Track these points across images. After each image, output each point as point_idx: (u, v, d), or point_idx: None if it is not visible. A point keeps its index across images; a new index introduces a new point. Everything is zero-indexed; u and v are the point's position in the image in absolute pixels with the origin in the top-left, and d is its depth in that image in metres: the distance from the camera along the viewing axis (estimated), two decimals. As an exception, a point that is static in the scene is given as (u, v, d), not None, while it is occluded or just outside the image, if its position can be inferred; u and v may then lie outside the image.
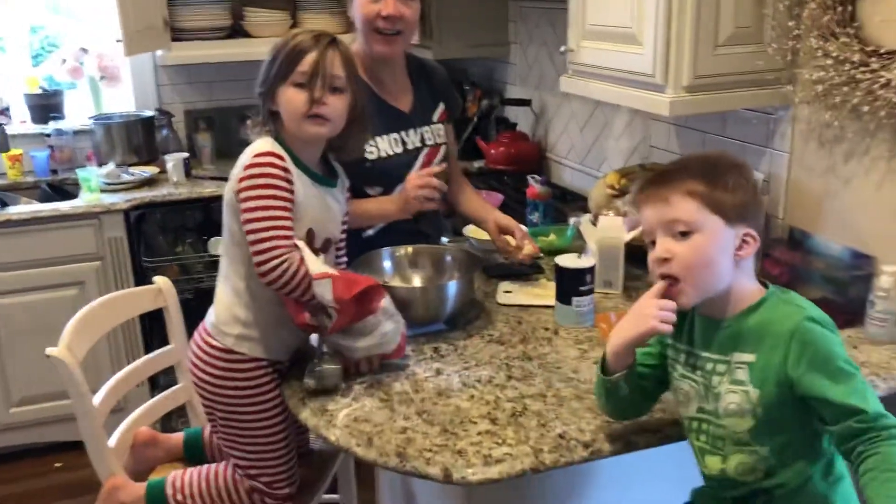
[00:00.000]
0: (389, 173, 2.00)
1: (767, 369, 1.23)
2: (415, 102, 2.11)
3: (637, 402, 1.41)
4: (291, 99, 1.59)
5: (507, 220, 2.10)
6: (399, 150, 2.04)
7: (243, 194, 1.55)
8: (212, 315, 1.72)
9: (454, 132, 2.20)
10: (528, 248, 2.07)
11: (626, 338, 1.33)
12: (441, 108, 2.17)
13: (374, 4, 1.94)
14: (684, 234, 1.26)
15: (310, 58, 1.58)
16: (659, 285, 1.30)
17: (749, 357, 1.26)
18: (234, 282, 1.68)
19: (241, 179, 1.56)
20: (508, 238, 2.08)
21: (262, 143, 1.60)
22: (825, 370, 1.19)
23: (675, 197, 1.27)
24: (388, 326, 1.60)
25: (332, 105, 1.61)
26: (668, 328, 1.29)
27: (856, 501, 1.30)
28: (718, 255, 1.26)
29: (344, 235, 1.81)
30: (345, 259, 1.84)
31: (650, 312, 1.28)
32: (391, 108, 2.05)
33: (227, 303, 1.69)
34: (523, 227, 2.10)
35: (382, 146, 2.01)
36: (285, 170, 1.57)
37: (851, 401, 1.17)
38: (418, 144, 2.08)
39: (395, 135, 2.04)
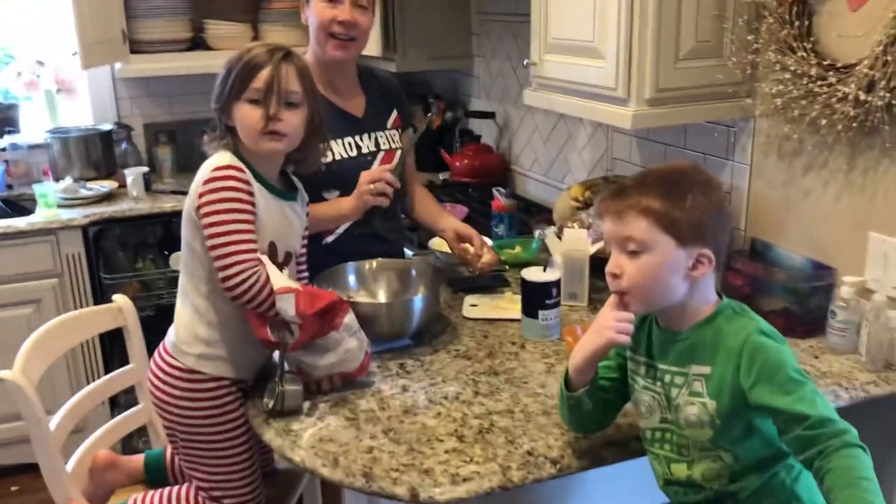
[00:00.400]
0: (345, 177, 1.99)
1: (722, 381, 1.25)
2: (367, 108, 2.12)
3: (600, 416, 1.42)
4: (246, 115, 1.57)
5: (465, 229, 2.12)
6: (353, 153, 2.05)
7: (204, 209, 1.52)
8: (172, 334, 1.69)
9: (409, 141, 2.20)
10: (487, 256, 2.07)
11: (587, 352, 1.34)
12: (394, 114, 2.19)
13: (330, 9, 1.95)
14: (635, 253, 1.26)
15: (264, 73, 1.56)
16: (611, 299, 1.32)
17: (705, 369, 1.27)
18: (193, 299, 1.65)
19: (202, 194, 1.53)
20: (467, 246, 2.09)
21: (221, 157, 1.57)
22: (774, 380, 1.20)
23: (629, 214, 1.26)
24: (351, 343, 1.58)
25: (287, 121, 1.59)
26: (626, 339, 1.30)
27: (818, 492, 1.31)
28: (667, 276, 1.26)
29: (304, 249, 1.79)
30: (306, 273, 1.82)
31: (607, 324, 1.30)
32: (344, 114, 2.06)
33: (188, 321, 1.65)
34: (484, 237, 2.12)
35: (337, 150, 2.02)
36: (246, 182, 1.55)
37: (798, 407, 1.18)
38: (373, 149, 2.09)
39: (349, 139, 2.05)
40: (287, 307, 1.50)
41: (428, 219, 2.22)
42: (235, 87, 1.57)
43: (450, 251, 2.27)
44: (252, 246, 1.53)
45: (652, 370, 1.35)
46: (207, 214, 1.52)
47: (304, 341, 1.53)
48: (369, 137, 2.10)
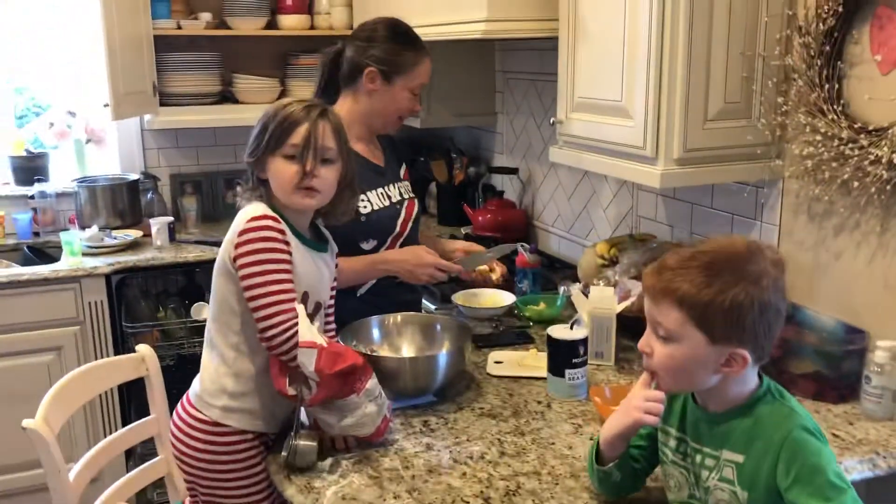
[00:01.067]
0: (381, 226, 2.10)
1: (757, 473, 1.19)
2: (386, 159, 2.20)
3: (629, 484, 1.39)
4: (281, 170, 1.58)
5: (473, 246, 2.31)
6: (386, 202, 2.13)
7: (242, 260, 1.52)
8: (196, 385, 1.67)
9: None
10: (498, 270, 2.28)
11: (616, 429, 1.32)
12: (404, 167, 2.29)
13: (412, 102, 2.11)
14: (665, 339, 1.21)
15: (301, 129, 1.58)
16: (643, 376, 1.30)
17: (737, 457, 1.21)
18: (222, 350, 1.63)
19: (238, 245, 1.53)
20: (481, 268, 2.25)
21: (256, 207, 1.58)
22: (814, 483, 1.14)
23: (664, 301, 1.20)
24: (370, 409, 1.55)
25: (323, 177, 1.60)
26: (654, 419, 1.27)
27: None
28: (695, 369, 1.21)
29: (332, 301, 1.78)
30: (333, 325, 1.81)
31: (636, 404, 1.28)
32: (374, 165, 2.15)
33: (214, 372, 1.64)
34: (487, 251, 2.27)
35: (374, 200, 2.09)
36: (282, 232, 1.55)
37: None
38: (399, 197, 2.17)
39: (380, 189, 2.13)
40: (307, 362, 1.48)
41: (431, 245, 2.28)
42: (272, 142, 1.58)
43: (473, 306, 2.27)
44: (292, 296, 1.53)
45: (683, 445, 1.30)
46: (246, 265, 1.52)
47: (321, 398, 1.51)
48: (394, 187, 2.18)
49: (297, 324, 1.50)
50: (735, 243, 1.22)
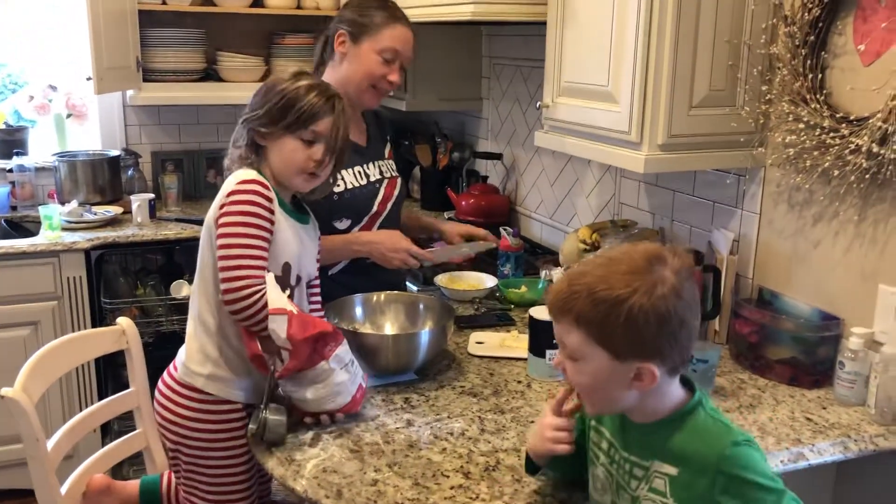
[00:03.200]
0: (356, 205, 2.06)
1: (692, 489, 1.17)
2: (368, 137, 2.17)
3: (571, 471, 1.40)
4: (295, 152, 1.61)
5: (465, 227, 2.30)
6: (363, 181, 2.09)
7: (223, 219, 1.53)
8: (182, 354, 1.67)
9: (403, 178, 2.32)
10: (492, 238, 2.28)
11: (535, 451, 1.36)
12: (389, 146, 2.26)
13: (384, 67, 2.02)
14: (572, 358, 1.19)
15: (328, 121, 1.62)
16: (551, 403, 1.32)
17: (671, 470, 1.18)
18: (205, 319, 1.64)
19: (223, 206, 1.54)
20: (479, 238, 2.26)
21: (248, 172, 1.59)
22: (751, 497, 1.13)
23: (564, 320, 1.17)
24: (340, 377, 1.54)
25: (326, 165, 1.65)
26: (565, 448, 1.30)
27: None
28: (606, 386, 1.18)
29: (317, 274, 1.78)
30: (319, 300, 1.81)
31: (547, 435, 1.31)
32: (352, 143, 2.07)
33: (199, 341, 1.64)
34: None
35: (348, 179, 2.05)
36: (269, 199, 1.56)
37: None
38: (378, 176, 2.14)
39: (357, 168, 2.09)
40: (279, 329, 1.47)
41: (422, 225, 2.31)
42: (292, 122, 1.59)
43: (456, 288, 2.28)
44: (262, 263, 1.53)
45: (613, 451, 1.28)
46: (225, 224, 1.53)
47: (293, 368, 1.50)
48: (374, 166, 2.14)
49: (262, 290, 1.50)
50: (635, 252, 1.17)
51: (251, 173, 1.58)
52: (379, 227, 2.11)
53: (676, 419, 1.20)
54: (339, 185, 2.00)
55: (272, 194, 1.57)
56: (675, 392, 1.21)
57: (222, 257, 1.52)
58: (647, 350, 1.14)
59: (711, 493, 1.15)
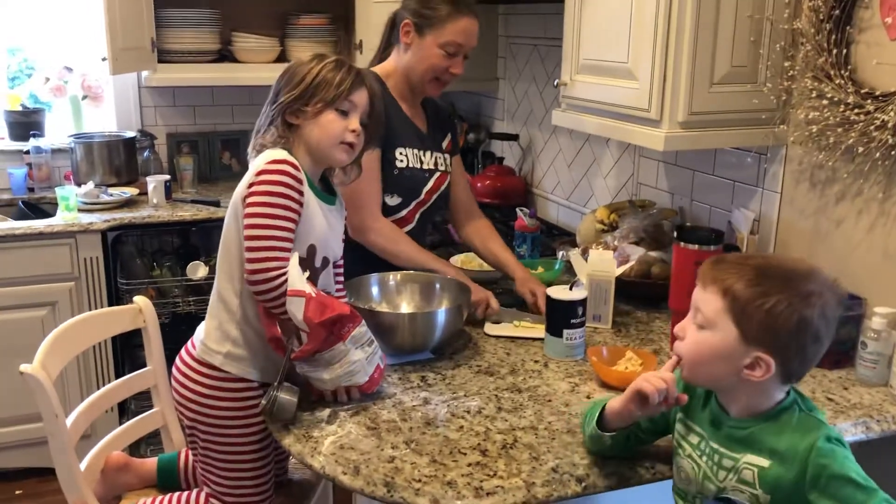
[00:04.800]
0: (410, 185, 2.09)
1: (781, 480, 1.18)
2: (428, 127, 2.17)
3: (619, 450, 1.39)
4: (332, 122, 1.61)
5: (537, 286, 2.06)
6: (418, 165, 2.10)
7: (251, 199, 1.53)
8: (201, 332, 1.67)
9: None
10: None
11: (620, 399, 1.32)
12: (448, 138, 2.24)
13: (445, 60, 2.03)
14: (701, 326, 1.22)
15: (362, 92, 1.64)
16: (671, 360, 1.30)
17: (762, 461, 1.20)
18: (226, 297, 1.64)
19: (253, 185, 1.54)
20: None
21: (279, 152, 1.58)
22: (843, 493, 1.14)
23: (710, 287, 1.21)
24: (356, 355, 1.54)
25: (361, 137, 1.66)
26: (653, 391, 1.26)
27: None
28: (719, 361, 1.21)
29: (342, 254, 1.78)
30: (342, 280, 1.81)
31: (645, 376, 1.28)
32: (414, 126, 2.12)
33: (218, 319, 1.64)
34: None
35: (410, 157, 2.08)
36: (298, 180, 1.55)
37: None
38: (432, 167, 2.14)
39: (416, 150, 2.10)
40: (296, 311, 1.47)
41: (494, 258, 2.20)
42: (330, 96, 1.60)
43: (473, 269, 2.27)
44: (287, 245, 1.53)
45: (703, 443, 1.29)
46: (253, 204, 1.52)
47: (309, 350, 1.50)
48: (431, 155, 2.14)
49: (285, 272, 1.50)
50: (798, 262, 1.24)
51: (281, 153, 1.57)
52: (421, 216, 2.13)
53: (772, 416, 1.22)
54: (401, 161, 2.03)
55: (302, 175, 1.56)
56: (776, 395, 1.23)
57: (249, 237, 1.51)
58: (775, 344, 1.17)
59: (800, 484, 1.16)
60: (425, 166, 2.12)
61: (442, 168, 2.17)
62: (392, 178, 2.00)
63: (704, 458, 1.28)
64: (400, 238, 2.02)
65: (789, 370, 1.20)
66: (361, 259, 1.97)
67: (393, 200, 2.06)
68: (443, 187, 2.17)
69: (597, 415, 1.37)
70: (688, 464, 1.31)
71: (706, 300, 1.21)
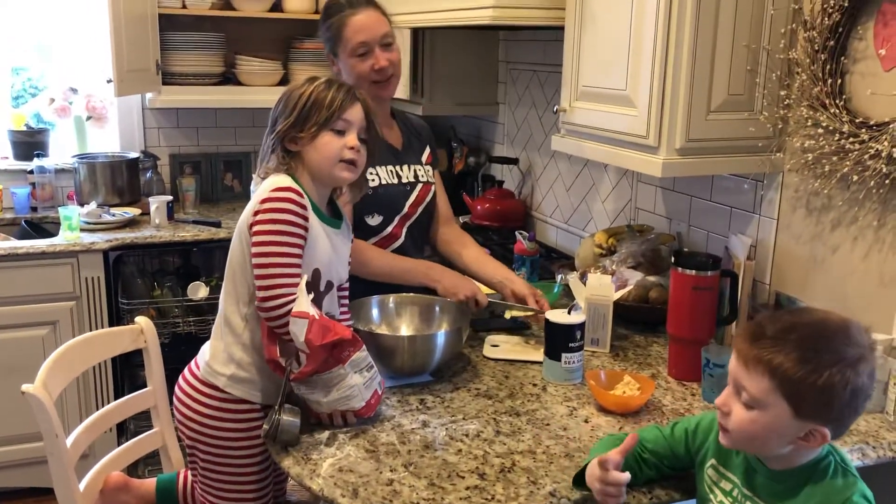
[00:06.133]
0: (388, 202, 2.07)
1: None
2: (404, 142, 2.18)
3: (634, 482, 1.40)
4: (328, 143, 1.63)
5: (522, 288, 2.05)
6: (395, 180, 2.10)
7: (258, 227, 1.54)
8: (206, 353, 1.69)
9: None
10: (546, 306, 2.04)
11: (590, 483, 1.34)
12: (427, 151, 2.25)
13: (364, 63, 2.03)
14: (748, 405, 1.20)
15: (355, 108, 1.65)
16: (614, 454, 1.32)
17: None
18: (233, 321, 1.65)
19: (258, 213, 1.56)
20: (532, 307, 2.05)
21: (283, 179, 1.60)
22: None
23: (756, 368, 1.17)
24: (354, 380, 1.55)
25: (361, 153, 1.67)
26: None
27: None
28: (773, 437, 1.19)
29: (347, 277, 1.79)
30: (346, 303, 1.82)
31: (597, 487, 1.31)
32: (385, 143, 2.10)
33: (224, 342, 1.66)
34: (535, 290, 2.08)
35: (382, 175, 2.07)
36: (303, 207, 1.57)
37: None
38: (412, 179, 2.15)
39: (390, 167, 2.10)
40: (298, 332, 1.49)
41: (482, 272, 2.15)
42: (323, 118, 1.62)
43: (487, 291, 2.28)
44: (297, 271, 1.55)
45: (737, 490, 1.30)
46: (260, 232, 1.54)
47: (308, 372, 1.51)
48: (409, 168, 2.15)
49: (292, 300, 1.51)
50: (833, 320, 1.19)
51: (286, 180, 1.59)
52: (408, 230, 2.12)
53: (808, 468, 1.22)
54: (373, 181, 2.03)
55: (306, 201, 1.58)
56: (819, 451, 1.23)
57: (258, 265, 1.54)
58: (830, 416, 1.16)
59: None
60: (404, 180, 2.12)
61: (423, 179, 2.17)
62: (368, 199, 1.96)
63: None
64: (366, 248, 2.00)
65: (843, 430, 1.21)
66: (363, 280, 1.99)
67: (374, 220, 2.06)
68: (428, 198, 2.16)
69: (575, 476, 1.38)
70: None
71: (752, 380, 1.18)
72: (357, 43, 2.01)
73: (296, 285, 1.53)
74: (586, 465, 1.37)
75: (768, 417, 1.18)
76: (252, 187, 1.73)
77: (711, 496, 1.34)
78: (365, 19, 2.03)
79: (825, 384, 1.13)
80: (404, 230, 2.11)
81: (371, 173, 2.03)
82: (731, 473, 1.32)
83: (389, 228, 2.08)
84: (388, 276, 2.00)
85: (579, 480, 1.37)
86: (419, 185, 2.15)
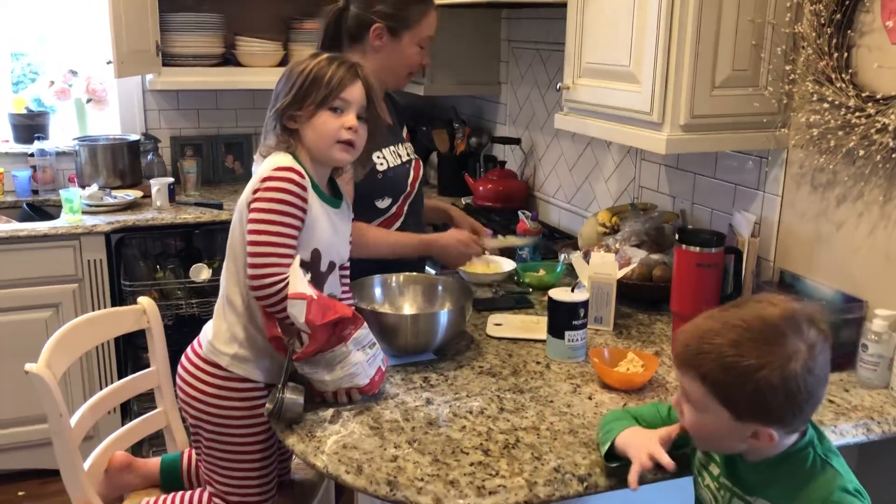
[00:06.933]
0: (396, 184, 2.10)
1: None
2: (393, 119, 2.19)
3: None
4: (326, 122, 1.60)
5: (469, 219, 2.29)
6: (398, 161, 2.12)
7: (255, 204, 1.53)
8: (208, 332, 1.68)
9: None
10: (493, 242, 2.27)
11: (628, 453, 1.33)
12: (405, 129, 2.28)
13: (421, 55, 2.10)
14: (693, 406, 1.20)
15: (355, 87, 1.62)
16: (667, 430, 1.33)
17: None
18: (233, 300, 1.65)
19: (257, 190, 1.54)
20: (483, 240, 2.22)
21: (284, 158, 1.59)
22: None
23: (688, 372, 1.18)
24: (357, 357, 1.54)
25: (360, 133, 1.64)
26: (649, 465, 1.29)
27: None
28: (723, 437, 1.20)
29: (348, 257, 1.78)
30: (347, 282, 1.81)
31: (649, 451, 1.30)
32: (386, 123, 2.09)
33: (226, 321, 1.65)
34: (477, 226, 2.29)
35: (389, 158, 2.08)
36: (303, 188, 1.56)
37: None
38: (408, 157, 2.17)
39: (392, 147, 2.12)
40: (298, 314, 1.48)
41: (431, 206, 2.32)
42: (321, 96, 1.59)
43: (474, 272, 2.28)
44: (289, 251, 1.53)
45: (722, 477, 1.30)
46: (257, 210, 1.53)
47: (311, 352, 1.50)
48: (403, 146, 2.17)
49: (286, 278, 1.50)
50: (770, 316, 1.13)
51: (287, 159, 1.58)
52: (408, 207, 2.14)
53: (785, 460, 1.21)
54: (382, 164, 2.04)
55: (306, 182, 1.57)
56: (787, 442, 1.21)
57: (251, 243, 1.52)
58: (769, 417, 1.14)
59: None
60: (404, 158, 2.15)
61: (413, 155, 2.21)
62: (378, 183, 1.99)
63: (721, 493, 1.29)
64: (365, 228, 2.00)
65: (793, 427, 1.18)
66: (366, 259, 1.98)
67: (384, 203, 2.07)
68: (421, 173, 2.21)
69: (609, 442, 1.37)
70: (706, 495, 1.32)
71: (689, 385, 1.19)
72: (427, 36, 2.09)
73: (288, 265, 1.52)
74: (614, 437, 1.36)
75: (711, 420, 1.18)
76: (254, 166, 1.71)
77: (700, 479, 1.35)
78: (436, 19, 2.11)
79: (754, 389, 1.11)
80: (406, 208, 2.14)
81: (379, 157, 2.03)
82: (716, 455, 1.32)
83: (395, 208, 2.10)
84: (396, 255, 2.04)
85: (609, 454, 1.37)
86: (413, 161, 2.18)
